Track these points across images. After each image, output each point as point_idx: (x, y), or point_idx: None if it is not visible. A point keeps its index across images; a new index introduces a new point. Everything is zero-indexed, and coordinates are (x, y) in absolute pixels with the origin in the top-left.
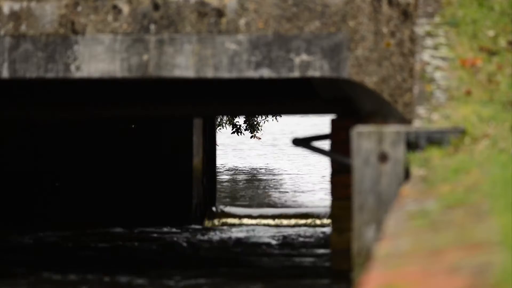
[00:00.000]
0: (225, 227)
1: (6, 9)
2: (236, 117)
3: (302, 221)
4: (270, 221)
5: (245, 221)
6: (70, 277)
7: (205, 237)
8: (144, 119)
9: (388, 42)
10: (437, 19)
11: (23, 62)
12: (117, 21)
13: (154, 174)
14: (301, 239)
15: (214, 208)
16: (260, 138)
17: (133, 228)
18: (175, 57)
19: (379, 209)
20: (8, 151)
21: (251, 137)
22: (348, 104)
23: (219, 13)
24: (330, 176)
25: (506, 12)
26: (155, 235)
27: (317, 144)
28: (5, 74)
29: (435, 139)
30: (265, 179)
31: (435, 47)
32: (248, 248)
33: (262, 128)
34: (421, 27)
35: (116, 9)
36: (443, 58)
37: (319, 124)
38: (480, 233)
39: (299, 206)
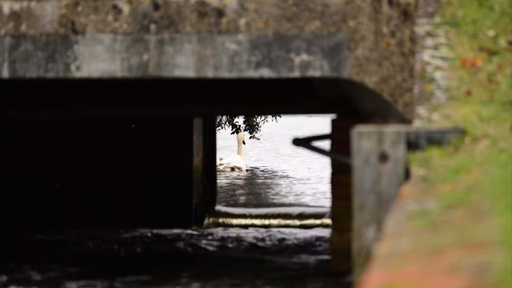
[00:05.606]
0: (225, 227)
1: (6, 9)
2: (235, 118)
3: (303, 221)
4: (270, 221)
5: (245, 221)
6: (70, 277)
7: (205, 237)
8: (144, 119)
9: (388, 42)
10: (437, 19)
11: (23, 62)
12: (117, 21)
13: (154, 174)
14: (301, 239)
15: (214, 208)
16: (259, 139)
17: (132, 228)
18: (175, 57)
19: (379, 209)
20: (7, 151)
21: (250, 137)
22: (348, 104)
23: (219, 13)
24: (330, 176)
25: (506, 12)
26: (154, 235)
27: (317, 144)
28: (5, 74)
29: (435, 139)
30: (265, 179)
31: (435, 47)
32: (247, 248)
33: (261, 128)
34: (421, 27)
35: (116, 9)
36: (443, 58)
37: (318, 124)
38: (480, 233)
39: (299, 206)
